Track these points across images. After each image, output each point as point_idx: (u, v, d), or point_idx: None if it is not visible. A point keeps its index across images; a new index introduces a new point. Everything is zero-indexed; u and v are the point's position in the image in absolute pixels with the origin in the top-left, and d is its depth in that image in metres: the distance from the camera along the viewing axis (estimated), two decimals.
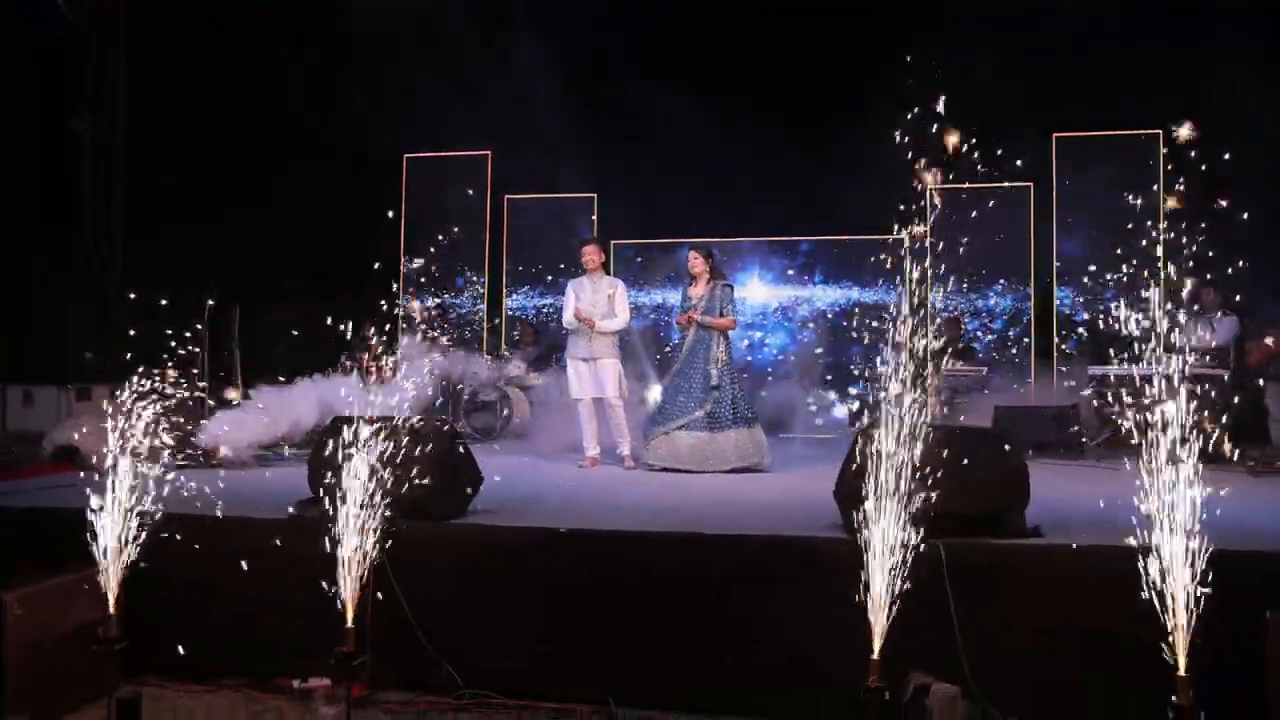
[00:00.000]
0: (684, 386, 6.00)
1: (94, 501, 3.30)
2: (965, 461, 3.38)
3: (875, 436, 2.97)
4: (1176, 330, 2.95)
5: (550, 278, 10.10)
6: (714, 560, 3.56)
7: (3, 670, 3.22)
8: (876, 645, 2.80)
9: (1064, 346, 8.92)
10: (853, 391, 9.10)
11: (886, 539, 2.89)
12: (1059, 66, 8.40)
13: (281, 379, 6.14)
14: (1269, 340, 6.46)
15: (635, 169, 9.38)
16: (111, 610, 3.31)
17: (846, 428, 8.21)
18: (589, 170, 9.65)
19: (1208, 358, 6.67)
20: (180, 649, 3.64)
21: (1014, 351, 9.15)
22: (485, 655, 3.58)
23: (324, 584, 3.20)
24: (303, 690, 3.60)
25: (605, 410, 6.30)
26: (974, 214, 8.85)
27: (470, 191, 10.06)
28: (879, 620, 2.84)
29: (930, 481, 3.09)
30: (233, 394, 6.62)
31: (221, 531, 3.79)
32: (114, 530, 3.32)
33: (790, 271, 9.86)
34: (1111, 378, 7.12)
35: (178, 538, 3.62)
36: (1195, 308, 7.03)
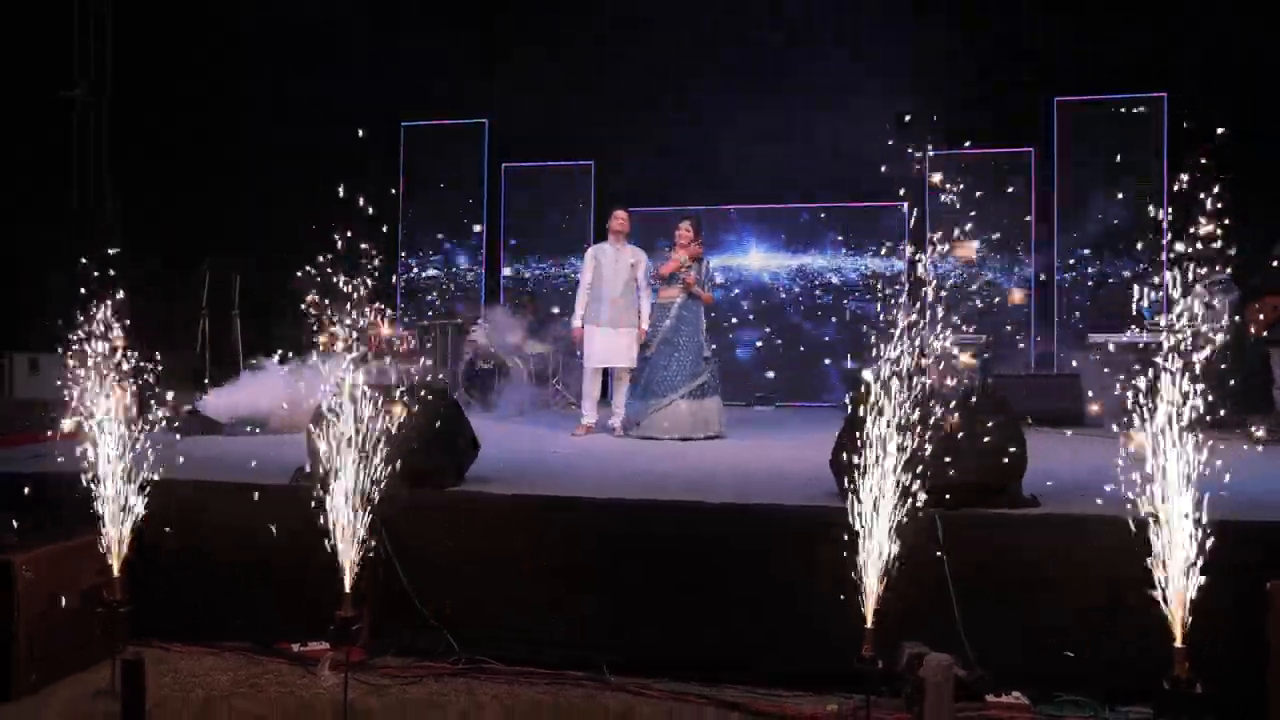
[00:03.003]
0: (676, 356, 6.05)
1: (97, 467, 3.32)
2: (962, 430, 3.38)
3: (871, 405, 2.97)
4: (1187, 296, 2.93)
5: (548, 247, 10.06)
6: (711, 528, 3.58)
7: (12, 631, 3.26)
8: (870, 615, 2.82)
9: (1073, 314, 8.89)
10: (850, 361, 9.11)
11: (881, 508, 2.90)
12: (1060, 30, 8.29)
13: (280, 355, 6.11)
14: (1270, 304, 6.40)
15: (634, 136, 9.30)
16: (116, 574, 3.34)
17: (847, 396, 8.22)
18: (588, 137, 9.56)
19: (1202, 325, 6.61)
20: (183, 612, 3.69)
21: (1015, 320, 9.13)
22: (482, 622, 3.61)
23: (322, 550, 3.22)
24: (303, 654, 3.65)
25: (611, 376, 6.39)
26: (974, 180, 8.79)
27: (468, 159, 9.99)
28: (873, 590, 2.86)
29: (926, 450, 3.09)
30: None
31: (223, 497, 3.81)
32: (117, 495, 3.34)
33: (788, 239, 9.81)
34: (1112, 346, 7.11)
35: (180, 503, 3.65)
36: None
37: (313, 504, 3.19)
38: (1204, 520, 2.62)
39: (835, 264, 9.66)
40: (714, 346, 6.27)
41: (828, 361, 9.33)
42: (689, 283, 6.04)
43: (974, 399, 3.48)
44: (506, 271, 10.18)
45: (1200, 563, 2.60)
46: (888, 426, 2.94)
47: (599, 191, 9.84)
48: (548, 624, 3.57)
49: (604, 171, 9.87)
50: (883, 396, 2.97)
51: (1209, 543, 2.60)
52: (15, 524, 3.64)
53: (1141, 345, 6.78)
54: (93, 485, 3.36)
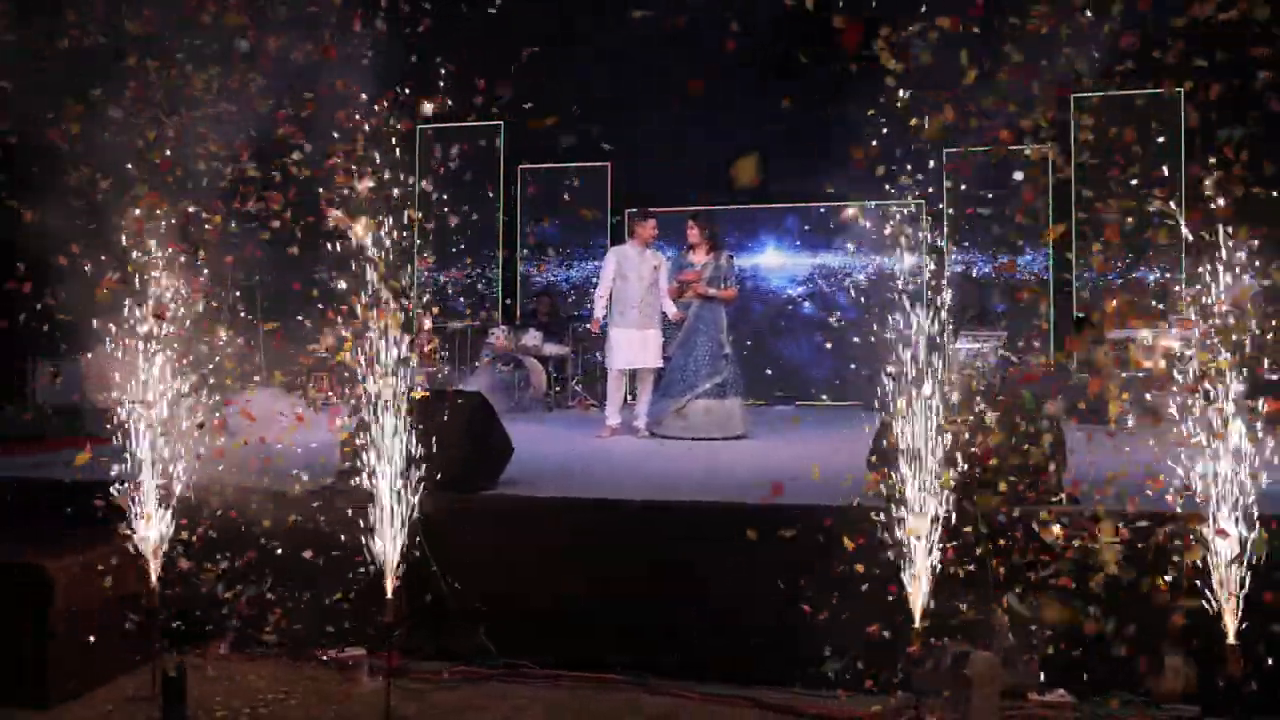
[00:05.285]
0: (694, 355, 6.05)
1: (132, 473, 3.33)
2: (1000, 428, 3.36)
3: (908, 404, 2.95)
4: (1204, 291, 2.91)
5: (564, 249, 10.06)
6: (746, 529, 3.55)
7: (49, 639, 3.26)
8: (916, 613, 2.80)
9: (1081, 313, 8.84)
10: (878, 360, 9.06)
11: (923, 507, 2.89)
12: (1076, 23, 8.21)
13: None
14: None
15: (649, 138, 9.27)
16: (152, 581, 3.35)
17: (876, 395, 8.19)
18: (602, 139, 9.53)
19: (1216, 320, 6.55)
20: (219, 619, 3.69)
21: (1035, 318, 9.08)
22: (519, 625, 3.60)
23: (360, 555, 3.22)
24: (339, 660, 3.64)
25: (637, 377, 6.43)
26: (991, 178, 8.75)
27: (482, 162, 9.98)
28: (918, 589, 2.85)
29: (966, 448, 3.08)
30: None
31: (259, 502, 3.81)
32: (153, 502, 3.34)
33: (805, 239, 9.78)
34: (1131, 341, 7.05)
35: (216, 509, 3.65)
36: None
37: (350, 509, 3.20)
38: (1255, 515, 2.60)
39: (853, 263, 9.63)
40: (730, 348, 6.21)
41: (845, 361, 9.29)
42: (696, 292, 6.09)
43: (1013, 396, 3.47)
44: (523, 273, 10.18)
45: (1250, 560, 2.58)
46: (926, 425, 2.93)
47: (615, 192, 9.83)
48: (585, 627, 3.56)
49: (619, 173, 9.86)
50: (920, 396, 2.96)
51: (1260, 539, 2.58)
52: (50, 531, 3.66)
53: (1163, 342, 6.72)
54: (128, 492, 3.37)
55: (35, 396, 7.32)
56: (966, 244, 9.18)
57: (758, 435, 6.26)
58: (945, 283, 3.21)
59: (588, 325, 7.33)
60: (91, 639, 3.40)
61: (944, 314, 3.05)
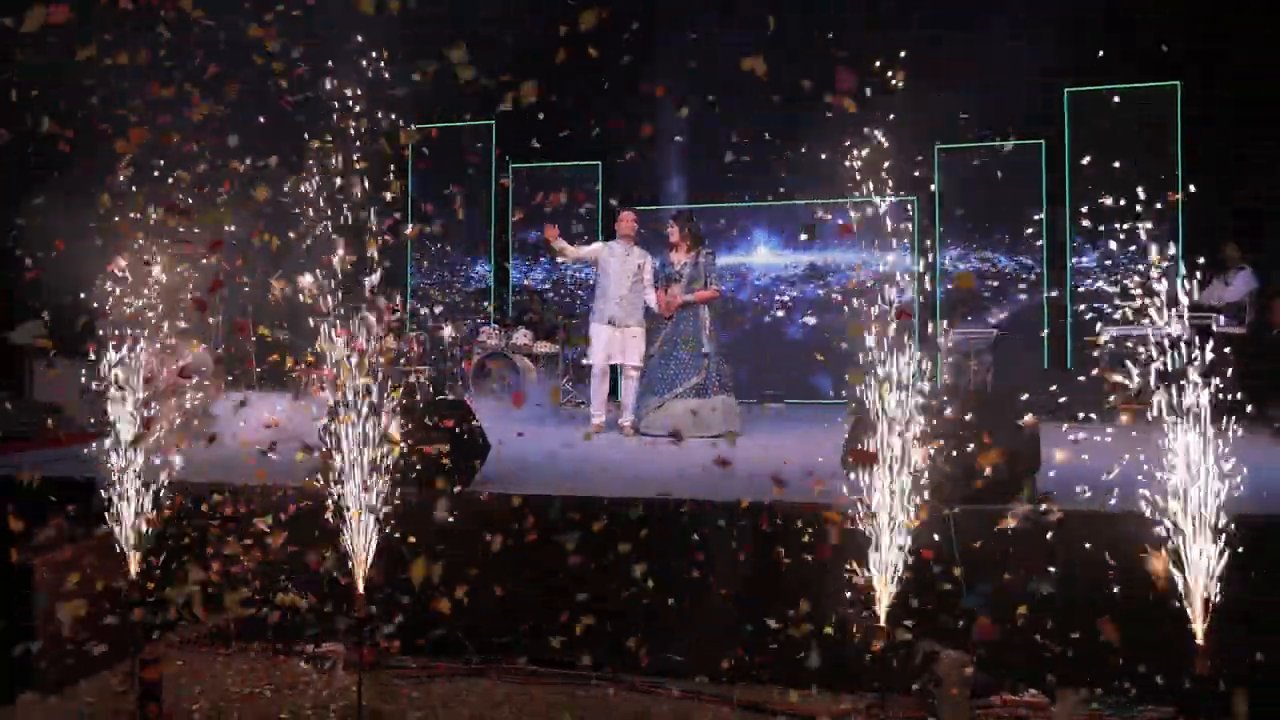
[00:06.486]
0: (674, 354, 6.06)
1: (113, 470, 3.34)
2: (975, 427, 3.36)
3: (882, 403, 2.95)
4: (1196, 288, 2.91)
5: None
6: (724, 527, 3.56)
7: (31, 633, 3.28)
8: (883, 612, 2.81)
9: (1080, 308, 8.83)
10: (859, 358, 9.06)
11: (893, 507, 2.89)
12: (1070, 17, 8.20)
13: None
14: None
15: (639, 135, 9.27)
16: (132, 575, 3.36)
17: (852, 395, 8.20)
18: (592, 138, 9.53)
19: (1221, 317, 6.57)
20: (198, 614, 3.70)
21: (1026, 314, 9.07)
22: (496, 622, 3.61)
23: (335, 552, 3.23)
24: (317, 655, 3.66)
25: (620, 375, 6.41)
26: (984, 172, 8.76)
27: (474, 161, 9.98)
28: (886, 587, 2.85)
29: (939, 447, 3.08)
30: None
31: (237, 498, 3.83)
32: (133, 498, 3.36)
33: (795, 237, 9.78)
34: (1126, 338, 7.05)
35: (195, 505, 3.67)
36: (1216, 259, 6.93)
37: (329, 505, 3.21)
38: (1224, 516, 2.60)
39: (841, 260, 9.62)
40: (712, 345, 6.18)
41: (833, 359, 9.30)
42: (675, 300, 6.07)
43: (986, 395, 3.46)
44: (514, 272, 10.19)
45: (1221, 559, 2.58)
46: (898, 425, 2.93)
47: (605, 191, 9.83)
48: (561, 623, 3.57)
49: (610, 171, 9.85)
50: (891, 395, 2.96)
51: (1229, 538, 2.58)
52: (34, 525, 3.67)
53: (1154, 338, 6.71)
54: (110, 488, 3.39)
55: (32, 394, 7.34)
56: (957, 240, 9.17)
57: (747, 433, 6.25)
58: (934, 279, 3.21)
59: (572, 318, 7.30)
60: (74, 633, 3.42)
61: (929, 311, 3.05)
